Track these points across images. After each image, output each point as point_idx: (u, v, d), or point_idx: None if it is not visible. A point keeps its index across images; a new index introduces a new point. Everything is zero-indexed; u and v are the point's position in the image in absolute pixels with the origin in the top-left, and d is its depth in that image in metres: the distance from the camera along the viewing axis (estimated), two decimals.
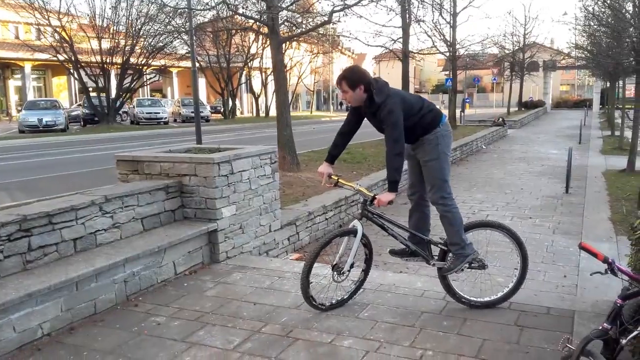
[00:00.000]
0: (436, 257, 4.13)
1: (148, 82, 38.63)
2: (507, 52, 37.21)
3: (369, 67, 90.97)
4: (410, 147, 4.08)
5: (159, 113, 32.61)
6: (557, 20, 69.03)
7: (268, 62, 38.33)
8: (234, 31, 25.93)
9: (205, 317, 3.89)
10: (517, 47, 37.80)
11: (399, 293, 4.29)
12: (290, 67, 37.57)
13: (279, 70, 11.16)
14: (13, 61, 37.47)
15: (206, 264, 5.14)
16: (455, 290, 4.10)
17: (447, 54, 23.42)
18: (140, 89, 38.20)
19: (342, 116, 51.49)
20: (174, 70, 43.19)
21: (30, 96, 37.44)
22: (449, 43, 22.44)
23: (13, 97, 40.51)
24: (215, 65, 36.52)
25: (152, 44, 28.88)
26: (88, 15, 29.03)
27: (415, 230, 4.19)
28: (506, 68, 41.44)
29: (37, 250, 3.90)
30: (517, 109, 44.05)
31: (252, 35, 33.31)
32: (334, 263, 4.02)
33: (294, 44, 34.65)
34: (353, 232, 4.02)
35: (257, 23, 13.07)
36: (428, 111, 3.96)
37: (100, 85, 29.68)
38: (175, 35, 22.52)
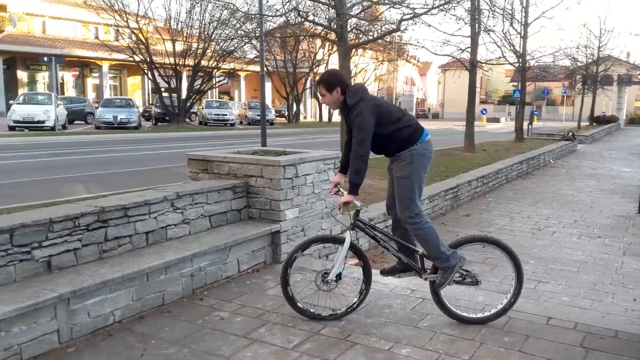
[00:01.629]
0: (429, 271, 4.04)
1: (217, 85, 39.79)
2: (579, 64, 35.84)
3: (434, 76, 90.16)
4: (389, 161, 4.03)
5: (226, 115, 33.49)
6: (635, 34, 65.92)
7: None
8: (302, 37, 26.33)
9: (266, 316, 3.99)
10: (590, 60, 36.35)
11: (459, 305, 4.25)
12: (355, 73, 37.68)
13: (346, 77, 11.24)
14: (92, 60, 39.56)
15: (268, 264, 5.25)
16: (447, 305, 4.00)
17: (517, 64, 22.83)
18: (209, 91, 39.30)
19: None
20: (242, 74, 44.25)
21: (107, 94, 39.38)
22: (518, 54, 21.88)
23: (91, 95, 42.69)
24: (282, 70, 37.15)
25: (222, 47, 29.72)
26: (164, 18, 30.22)
27: (400, 246, 4.11)
28: (578, 81, 39.89)
29: (113, 240, 4.12)
30: (588, 123, 42.34)
31: (319, 42, 33.66)
32: (325, 270, 4.00)
33: (360, 50, 34.73)
34: (341, 241, 3.99)
35: (326, 30, 13.23)
36: (406, 125, 3.88)
37: (172, 86, 30.84)
38: (245, 40, 23.05)
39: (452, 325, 3.90)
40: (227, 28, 27.03)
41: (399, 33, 15.56)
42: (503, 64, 23.29)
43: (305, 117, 49.40)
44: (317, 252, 5.82)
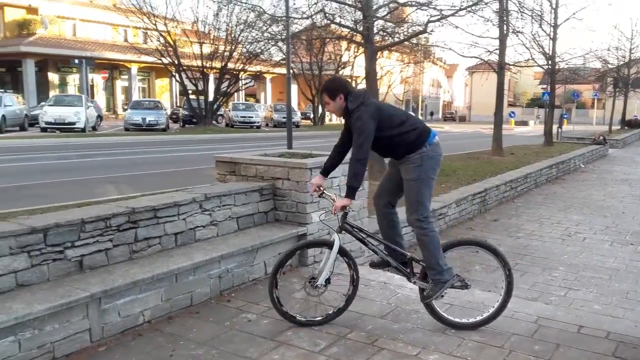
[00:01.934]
0: (418, 275, 3.98)
1: (243, 87, 40.08)
2: (610, 67, 35.11)
3: (461, 78, 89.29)
4: (397, 161, 3.99)
5: (252, 117, 33.74)
6: None
7: (359, 71, 38.55)
8: (327, 39, 26.38)
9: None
10: (621, 62, 35.58)
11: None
12: (380, 76, 37.59)
13: (372, 79, 11.23)
14: (121, 63, 40.23)
15: (294, 267, 5.26)
16: (437, 309, 3.96)
17: (546, 67, 22.49)
18: (235, 94, 39.63)
19: (431, 126, 50.76)
20: (268, 76, 44.47)
21: (135, 96, 40.00)
22: (548, 56, 21.55)
23: (120, 97, 43.42)
24: (308, 73, 37.25)
25: (249, 50, 29.94)
26: (191, 21, 30.58)
27: (387, 239, 4.08)
28: (609, 84, 39.08)
29: (143, 241, 4.18)
30: (619, 127, 41.45)
31: (344, 44, 33.66)
32: (312, 276, 3.94)
33: (385, 52, 34.64)
34: (329, 244, 3.93)
35: (352, 32, 13.23)
36: (411, 128, 3.83)
37: (199, 88, 31.18)
38: (271, 43, 23.22)
39: (481, 332, 3.85)
40: (253, 30, 27.25)
41: (425, 35, 15.47)
42: (532, 66, 23.00)
43: (330, 120, 49.41)
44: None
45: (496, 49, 16.08)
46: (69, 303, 3.32)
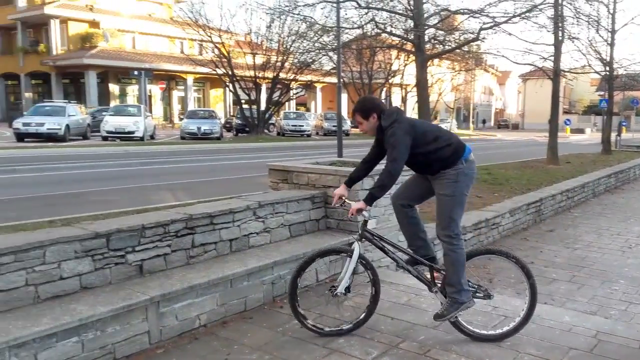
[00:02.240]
0: (440, 286, 3.91)
1: (294, 96, 40.55)
2: None
3: (514, 85, 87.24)
4: (431, 177, 3.91)
5: (303, 126, 34.06)
6: None
7: (409, 79, 38.38)
8: (378, 48, 26.38)
9: (345, 326, 4.02)
10: None
11: (543, 325, 4.09)
12: (431, 84, 37.26)
13: (423, 87, 11.17)
14: (178, 73, 41.48)
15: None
16: (461, 321, 3.86)
17: (603, 73, 21.74)
18: (287, 103, 40.14)
19: (482, 135, 50.04)
20: (319, 85, 44.84)
21: (191, 106, 41.13)
22: (605, 62, 20.82)
23: (176, 107, 44.74)
24: (358, 82, 37.32)
25: (300, 60, 30.30)
26: (245, 32, 31.24)
27: (411, 236, 4.04)
28: None
29: (199, 247, 4.31)
30: None
31: (394, 52, 33.57)
32: (332, 285, 3.91)
33: (436, 60, 34.35)
34: (349, 252, 3.90)
35: (402, 40, 13.20)
36: (446, 144, 3.77)
37: (252, 98, 31.78)
38: (322, 52, 23.43)
39: (537, 345, 3.76)
40: (305, 41, 27.57)
41: (477, 42, 15.27)
42: (588, 72, 22.28)
43: None
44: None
45: (551, 56, 15.68)
46: (129, 306, 3.46)
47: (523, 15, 10.61)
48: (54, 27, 39.52)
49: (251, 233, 4.73)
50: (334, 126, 30.06)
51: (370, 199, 3.72)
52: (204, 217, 4.34)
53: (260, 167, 6.21)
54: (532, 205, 9.39)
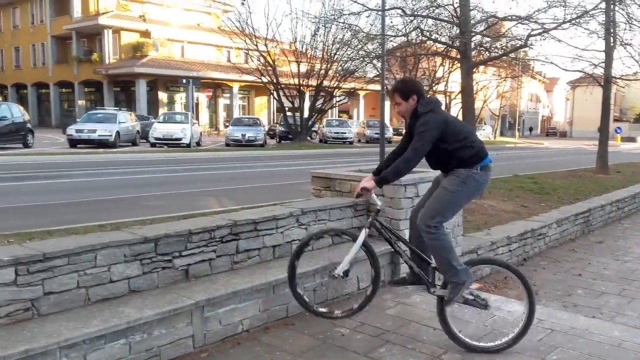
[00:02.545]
0: (439, 286, 3.85)
1: (337, 104, 40.65)
2: None
3: (562, 93, 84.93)
4: (442, 175, 3.92)
5: (345, 133, 34.12)
6: None
7: (453, 86, 37.87)
8: (422, 56, 26.21)
9: (386, 335, 4.02)
10: None
11: (592, 340, 3.98)
12: (476, 91, 36.70)
13: (468, 95, 11.01)
14: (224, 82, 42.25)
15: (387, 283, 5.27)
16: (453, 328, 3.82)
17: None
18: (329, 110, 40.30)
19: (528, 143, 48.86)
20: (362, 93, 44.82)
21: (236, 114, 41.85)
22: None
23: (222, 114, 45.56)
24: None
25: (344, 67, 30.41)
26: (290, 41, 31.59)
27: (417, 247, 3.97)
28: None
29: (243, 253, 4.38)
30: None
31: (439, 60, 33.25)
32: (332, 266, 3.98)
33: (481, 67, 33.83)
34: (354, 237, 3.93)
35: (448, 48, 13.06)
36: (469, 145, 3.77)
37: (295, 105, 32.06)
38: (366, 60, 23.44)
39: None
40: (349, 49, 27.64)
41: (525, 49, 14.96)
42: None
43: None
44: None
45: (602, 62, 15.22)
46: (175, 310, 3.55)
47: (573, 22, 10.32)
48: (107, 37, 40.97)
49: (294, 240, 4.77)
50: (376, 133, 30.00)
51: (381, 181, 3.78)
52: (248, 223, 4.41)
53: (303, 174, 6.25)
54: (581, 216, 9.13)
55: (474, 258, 4.01)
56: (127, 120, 25.58)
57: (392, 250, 5.18)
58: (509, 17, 10.92)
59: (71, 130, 23.40)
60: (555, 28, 10.22)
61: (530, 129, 76.32)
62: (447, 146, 3.74)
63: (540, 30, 10.31)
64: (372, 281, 4.05)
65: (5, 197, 9.51)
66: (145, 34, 40.66)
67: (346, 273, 3.95)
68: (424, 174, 5.73)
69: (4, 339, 2.98)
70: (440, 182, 3.92)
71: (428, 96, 3.93)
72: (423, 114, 3.75)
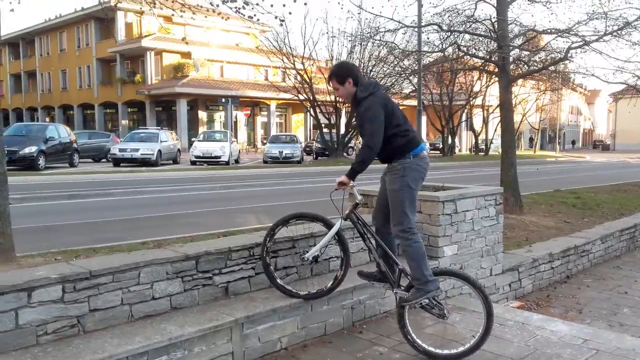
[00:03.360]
0: (402, 288, 3.98)
1: None
2: None
3: (604, 105, 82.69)
4: (384, 170, 4.07)
5: None
6: None
7: (491, 100, 37.42)
8: (459, 70, 26.06)
9: (425, 355, 3.97)
10: None
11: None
12: (515, 104, 36.16)
13: (507, 109, 10.87)
14: (262, 100, 42.84)
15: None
16: (411, 332, 3.94)
17: None
18: None
19: (569, 156, 47.68)
20: None
21: (274, 131, 42.31)
22: None
23: (259, 131, 46.13)
24: (437, 104, 36.91)
25: (380, 84, 30.45)
26: (326, 59, 31.86)
27: (381, 254, 4.10)
28: None
29: (281, 270, 4.42)
30: None
31: (476, 74, 32.96)
32: (305, 250, 4.06)
33: (520, 81, 33.36)
34: (329, 224, 3.98)
35: (485, 62, 12.96)
36: (402, 133, 3.87)
37: (332, 122, 32.24)
38: (403, 76, 23.45)
39: None
40: (385, 65, 27.69)
41: (565, 62, 14.71)
42: None
43: (460, 150, 48.30)
44: None
45: None
46: (215, 327, 3.61)
47: (615, 33, 10.12)
48: (150, 58, 42.17)
49: (331, 257, 4.79)
50: None
51: (353, 173, 3.86)
52: (287, 240, 4.46)
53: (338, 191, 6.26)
54: (626, 232, 8.86)
55: (435, 269, 4.05)
56: (168, 139, 26.17)
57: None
58: (548, 30, 10.78)
59: (115, 149, 24.10)
60: (596, 40, 10.04)
61: (573, 142, 74.51)
62: (385, 130, 3.83)
63: (581, 43, 10.14)
64: (341, 266, 4.17)
65: (51, 216, 9.85)
66: (186, 54, 41.67)
67: (316, 259, 4.10)
68: (464, 190, 5.70)
69: (51, 355, 3.09)
70: (386, 184, 4.03)
71: (367, 79, 4.04)
72: (364, 99, 3.85)
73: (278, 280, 4.14)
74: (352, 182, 3.92)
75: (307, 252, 4.11)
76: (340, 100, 30.68)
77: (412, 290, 3.92)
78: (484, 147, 43.24)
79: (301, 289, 4.17)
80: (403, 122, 3.96)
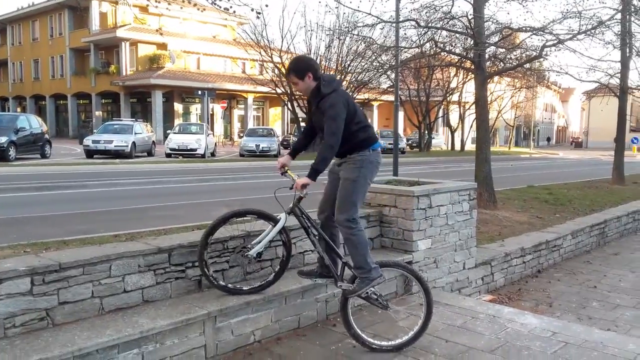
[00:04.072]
0: (346, 281, 4.01)
1: None
2: None
3: (578, 103, 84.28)
4: (336, 163, 4.00)
5: None
6: None
7: (467, 97, 37.80)
8: (436, 67, 26.24)
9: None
10: None
11: (607, 353, 3.94)
12: (490, 101, 36.57)
13: (482, 106, 10.98)
14: (239, 93, 42.54)
15: (399, 294, 5.27)
16: (353, 324, 3.99)
17: None
18: None
19: (543, 153, 48.48)
20: (375, 104, 44.88)
21: (251, 124, 42.10)
22: None
23: (236, 125, 45.82)
24: (415, 99, 37.13)
25: (358, 79, 30.49)
26: (304, 52, 31.72)
27: (326, 247, 4.09)
28: None
29: (255, 263, 4.41)
30: None
31: (453, 70, 33.22)
32: (244, 245, 4.04)
33: (496, 78, 33.73)
34: (274, 220, 3.96)
35: (462, 59, 13.09)
36: (363, 129, 3.92)
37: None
38: (381, 71, 23.50)
39: None
40: (363, 60, 27.71)
41: (539, 60, 14.90)
42: None
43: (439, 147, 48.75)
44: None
45: (618, 73, 15.12)
46: (188, 320, 3.59)
47: (588, 32, 10.27)
48: (124, 49, 41.54)
49: (306, 250, 4.79)
50: (389, 144, 29.92)
51: (314, 173, 3.85)
52: (261, 233, 4.43)
53: (317, 185, 6.22)
54: (596, 227, 9.05)
55: (379, 261, 4.10)
56: (143, 131, 25.82)
57: (406, 262, 5.24)
58: (524, 29, 10.90)
59: (88, 140, 23.69)
60: (570, 39, 10.19)
61: (548, 139, 75.72)
62: (347, 127, 3.85)
63: (555, 41, 10.28)
64: (281, 263, 4.17)
65: (22, 207, 9.65)
66: (162, 46, 41.15)
67: (259, 255, 4.01)
68: (438, 185, 5.74)
69: (19, 349, 3.03)
70: (338, 174, 4.04)
71: (327, 74, 4.06)
72: (327, 95, 3.84)
73: (213, 280, 3.98)
74: (313, 182, 3.87)
75: (252, 249, 3.99)
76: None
77: (356, 281, 3.96)
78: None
79: (244, 285, 4.09)
80: (364, 119, 4.04)
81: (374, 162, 3.99)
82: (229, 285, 4.02)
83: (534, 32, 10.60)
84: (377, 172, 4.07)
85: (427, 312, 4.01)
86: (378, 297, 4.04)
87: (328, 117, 3.80)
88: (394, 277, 5.10)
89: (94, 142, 23.36)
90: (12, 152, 19.09)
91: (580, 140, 74.87)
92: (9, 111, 48.83)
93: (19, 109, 51.17)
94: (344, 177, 3.98)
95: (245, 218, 4.14)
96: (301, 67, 3.96)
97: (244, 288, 4.02)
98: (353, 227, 3.90)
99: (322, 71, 4.28)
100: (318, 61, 31.42)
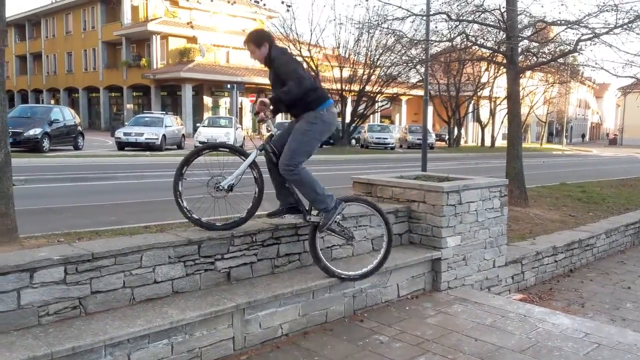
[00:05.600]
0: (314, 214, 4.20)
1: (379, 109, 40.49)
2: None
3: (613, 99, 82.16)
4: (293, 122, 4.28)
5: (387, 139, 33.87)
6: None
7: (498, 92, 37.21)
8: (467, 61, 25.86)
9: (426, 345, 3.97)
10: None
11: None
12: (522, 96, 35.95)
13: (514, 101, 10.79)
14: (268, 87, 42.44)
15: (427, 291, 5.22)
16: (322, 257, 4.24)
17: None
18: (371, 115, 40.18)
19: (576, 150, 47.46)
20: (404, 98, 44.53)
21: (279, 118, 42.00)
22: None
23: None
24: (444, 94, 36.72)
25: (387, 73, 30.29)
26: (333, 46, 31.69)
27: (278, 187, 4.32)
28: None
29: (284, 257, 4.42)
30: None
31: (484, 64, 32.73)
32: (218, 180, 4.13)
33: (528, 73, 33.13)
34: (245, 155, 4.13)
35: (493, 53, 12.85)
36: (312, 89, 4.05)
37: (337, 110, 32.11)
38: (410, 65, 23.30)
39: None
40: (392, 54, 27.51)
41: (574, 54, 14.55)
42: None
43: (466, 142, 48.15)
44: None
45: None
46: (217, 312, 3.61)
47: (625, 26, 9.99)
48: (155, 42, 42.02)
49: (334, 245, 4.77)
50: (418, 139, 29.71)
51: (276, 100, 3.99)
52: (290, 227, 4.44)
53: (343, 179, 6.15)
54: (631, 226, 8.82)
55: (341, 197, 4.38)
56: (173, 124, 26.10)
57: (435, 259, 5.19)
58: (558, 22, 10.66)
59: (119, 133, 24.06)
60: (606, 33, 9.92)
61: (583, 136, 74.21)
62: None
63: (591, 35, 10.03)
64: (253, 200, 4.25)
65: (55, 198, 9.86)
66: (192, 39, 41.51)
67: (231, 187, 4.11)
68: (468, 182, 5.66)
69: (52, 336, 3.09)
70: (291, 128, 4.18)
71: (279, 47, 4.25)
72: (278, 57, 4.09)
73: (187, 212, 4.17)
74: (271, 107, 4.03)
75: (223, 181, 4.12)
76: (346, 88, 30.58)
77: (321, 214, 4.16)
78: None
79: (217, 220, 4.19)
80: (311, 81, 4.12)
81: (327, 121, 4.17)
82: (203, 219, 4.13)
83: (569, 25, 10.36)
84: (328, 132, 4.25)
85: (387, 244, 4.44)
86: (344, 229, 4.34)
87: (288, 73, 3.99)
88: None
89: (125, 134, 23.71)
90: (46, 144, 19.50)
91: (615, 137, 73.16)
92: (43, 103, 49.93)
93: (52, 101, 52.26)
94: (295, 129, 4.17)
95: (218, 151, 4.29)
96: (260, 36, 4.21)
97: (217, 224, 4.12)
98: (293, 169, 4.06)
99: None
100: (347, 55, 31.36)
